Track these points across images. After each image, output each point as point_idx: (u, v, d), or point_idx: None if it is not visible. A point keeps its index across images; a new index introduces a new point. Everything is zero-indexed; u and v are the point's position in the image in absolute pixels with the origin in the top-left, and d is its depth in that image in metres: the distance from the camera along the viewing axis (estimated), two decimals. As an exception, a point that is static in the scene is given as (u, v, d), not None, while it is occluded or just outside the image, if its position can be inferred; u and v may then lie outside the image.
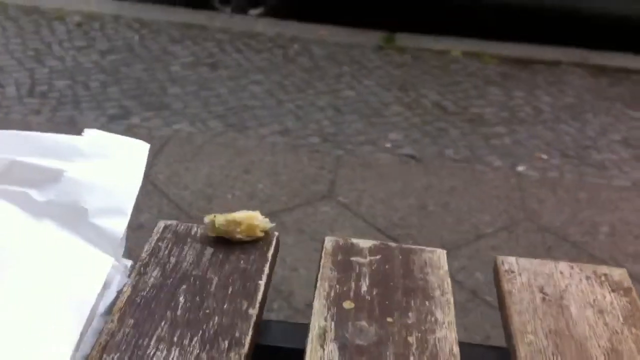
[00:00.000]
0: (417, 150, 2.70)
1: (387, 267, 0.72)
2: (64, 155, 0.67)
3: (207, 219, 0.71)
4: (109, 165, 0.68)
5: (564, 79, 3.32)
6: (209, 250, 0.71)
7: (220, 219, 0.71)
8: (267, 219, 0.72)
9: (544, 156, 2.70)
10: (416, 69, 3.37)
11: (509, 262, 0.73)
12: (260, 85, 3.08)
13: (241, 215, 0.71)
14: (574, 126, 2.93)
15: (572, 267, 0.74)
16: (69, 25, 3.38)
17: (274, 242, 0.73)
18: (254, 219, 0.71)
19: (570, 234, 2.26)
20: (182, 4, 3.82)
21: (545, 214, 2.36)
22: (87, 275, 0.64)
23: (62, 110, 2.65)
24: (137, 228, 2.01)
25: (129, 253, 0.74)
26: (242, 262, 0.70)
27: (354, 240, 0.75)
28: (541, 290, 0.70)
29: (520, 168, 2.62)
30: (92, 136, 0.70)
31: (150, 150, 2.48)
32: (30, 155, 0.66)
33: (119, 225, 0.66)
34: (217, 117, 2.77)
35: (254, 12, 3.89)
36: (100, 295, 0.64)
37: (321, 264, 0.71)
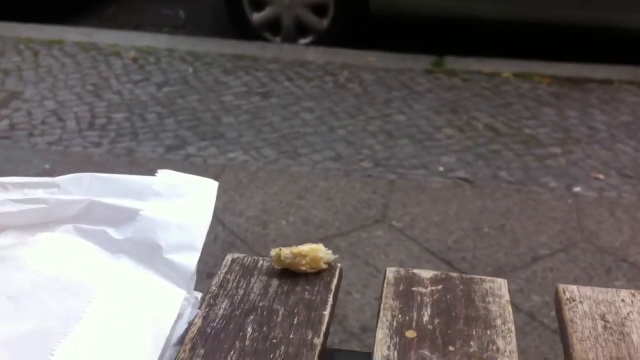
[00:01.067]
0: (470, 173, 2.70)
1: (448, 296, 0.73)
2: (140, 195, 0.71)
3: (273, 252, 0.74)
4: (181, 204, 0.72)
5: (618, 97, 3.28)
6: (275, 282, 0.74)
7: (285, 251, 0.74)
8: (330, 251, 0.75)
9: (601, 176, 2.67)
10: (466, 92, 3.37)
11: (570, 290, 0.74)
12: (312, 113, 3.13)
13: (305, 248, 0.73)
14: (631, 145, 2.89)
15: (633, 295, 0.74)
16: (124, 59, 3.49)
17: (337, 274, 0.76)
18: (318, 251, 0.74)
19: (630, 255, 2.23)
20: (233, 37, 3.91)
21: (604, 234, 2.33)
22: (162, 308, 0.67)
23: (121, 142, 2.74)
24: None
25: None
26: (306, 293, 0.72)
27: (416, 271, 0.76)
28: (602, 318, 0.71)
29: (577, 189, 2.59)
30: (165, 176, 0.73)
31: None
32: (108, 196, 0.71)
33: (190, 260, 0.70)
34: (270, 144, 2.82)
35: (303, 41, 3.95)
36: (174, 326, 0.68)
37: (383, 294, 0.73)
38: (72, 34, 3.75)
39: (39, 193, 0.73)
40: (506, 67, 3.60)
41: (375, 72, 3.56)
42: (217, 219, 2.27)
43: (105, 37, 3.74)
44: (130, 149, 2.69)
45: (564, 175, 2.67)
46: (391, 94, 3.33)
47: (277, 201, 2.44)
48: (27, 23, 3.82)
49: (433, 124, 3.06)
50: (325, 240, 2.23)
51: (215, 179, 2.40)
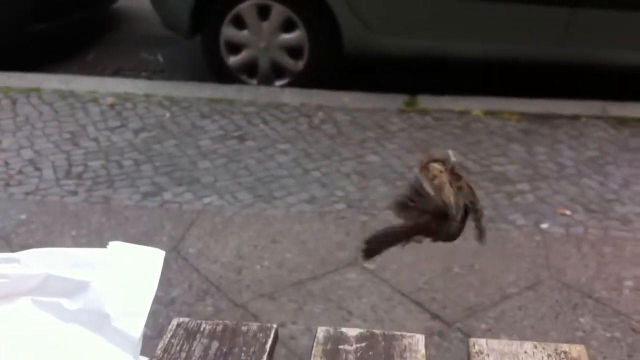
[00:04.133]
0: (441, 212, 2.75)
1: (370, 353, 0.78)
2: (92, 267, 0.76)
3: None
4: (129, 274, 0.77)
5: (585, 132, 3.37)
6: (215, 345, 0.79)
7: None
8: None
9: (568, 212, 2.74)
10: (438, 130, 3.45)
11: (479, 344, 0.80)
12: (287, 155, 3.19)
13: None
14: (597, 180, 2.96)
15: (535, 347, 0.80)
16: (102, 106, 3.55)
17: (272, 335, 0.81)
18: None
19: (595, 290, 2.28)
20: (211, 80, 3.98)
21: (570, 271, 2.39)
22: (110, 374, 0.72)
23: (97, 190, 2.78)
24: (169, 304, 2.10)
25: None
26: (243, 354, 0.77)
27: (344, 329, 0.82)
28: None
29: (544, 225, 2.66)
30: (115, 248, 0.79)
31: (182, 225, 2.60)
32: (63, 269, 0.76)
33: (136, 327, 0.75)
34: (245, 188, 2.87)
35: (279, 83, 4.03)
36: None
37: (312, 352, 0.78)
38: (51, 82, 3.81)
39: (0, 268, 0.78)
40: (477, 105, 3.68)
41: (349, 113, 3.63)
42: (192, 267, 2.31)
43: (83, 83, 3.80)
44: (107, 197, 2.73)
45: (532, 212, 2.74)
46: (365, 135, 3.40)
47: (251, 246, 2.48)
48: (7, 72, 3.88)
49: (405, 164, 3.13)
50: (299, 285, 2.28)
51: (191, 225, 2.45)
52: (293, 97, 3.82)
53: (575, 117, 3.50)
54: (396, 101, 3.77)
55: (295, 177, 3.00)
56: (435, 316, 2.18)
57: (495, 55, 3.86)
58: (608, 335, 2.09)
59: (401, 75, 4.33)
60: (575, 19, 3.64)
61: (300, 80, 4.02)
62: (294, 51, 4.00)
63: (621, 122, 3.45)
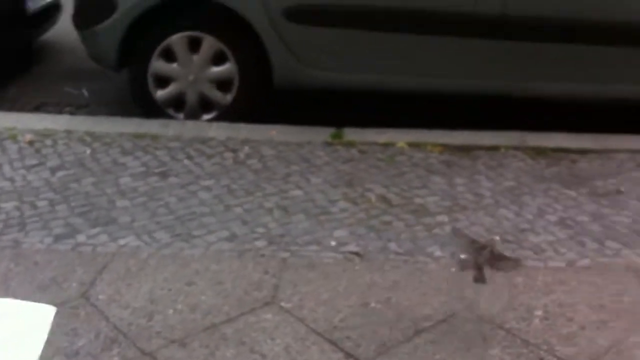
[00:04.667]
0: (361, 247, 2.77)
1: None
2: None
3: None
4: (16, 331, 0.75)
5: (504, 163, 3.44)
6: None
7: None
8: None
9: (484, 243, 2.78)
10: (363, 163, 3.48)
11: None
12: (210, 191, 3.17)
13: None
14: (513, 210, 3.02)
15: None
16: (20, 143, 3.48)
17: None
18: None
19: (505, 322, 2.31)
20: (137, 115, 3.93)
21: (483, 302, 2.42)
22: None
23: (8, 234, 2.71)
24: (72, 355, 2.05)
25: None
26: None
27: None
28: None
29: (461, 256, 2.69)
30: (2, 306, 0.77)
31: (93, 269, 2.54)
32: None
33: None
34: (164, 227, 2.84)
35: (207, 116, 4.02)
36: None
37: None
38: (-31, 119, 3.72)
39: None
40: (402, 137, 3.73)
41: (275, 147, 3.64)
42: (101, 314, 2.26)
43: (1, 120, 3.72)
44: (17, 241, 2.66)
45: (449, 244, 2.77)
46: (290, 169, 3.41)
47: (165, 289, 2.44)
48: None
49: (329, 198, 3.14)
50: (212, 329, 2.25)
51: (103, 268, 2.40)
52: (220, 131, 3.81)
53: (494, 148, 3.57)
54: (323, 134, 3.79)
55: (217, 215, 2.98)
56: (348, 355, 2.18)
57: (428, 88, 3.92)
58: (517, 367, 2.12)
59: (332, 108, 4.37)
60: (503, 52, 3.73)
61: (229, 114, 4.01)
62: (223, 84, 4.00)
63: (539, 152, 3.54)
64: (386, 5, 3.76)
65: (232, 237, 2.82)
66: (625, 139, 3.63)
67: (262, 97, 4.08)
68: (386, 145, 3.65)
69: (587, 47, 3.70)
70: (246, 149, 3.62)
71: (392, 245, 2.77)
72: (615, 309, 2.35)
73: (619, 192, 3.14)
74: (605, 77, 3.78)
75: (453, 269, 2.61)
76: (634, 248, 2.71)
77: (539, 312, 2.35)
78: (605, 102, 3.89)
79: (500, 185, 3.23)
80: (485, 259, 2.61)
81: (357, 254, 2.73)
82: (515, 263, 2.55)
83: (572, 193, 3.14)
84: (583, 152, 3.54)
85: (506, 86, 3.85)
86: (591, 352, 2.15)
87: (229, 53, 3.89)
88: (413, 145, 3.65)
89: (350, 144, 3.68)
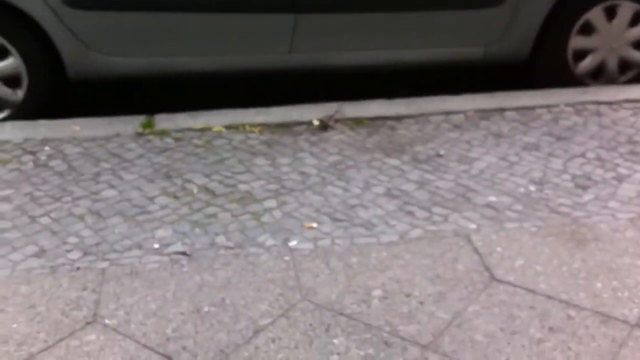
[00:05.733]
0: (187, 245, 2.58)
1: None
2: None
3: None
4: None
5: (325, 137, 3.37)
6: None
7: None
8: None
9: (315, 225, 2.69)
10: (179, 152, 3.26)
11: None
12: (10, 202, 2.83)
13: None
14: (340, 186, 2.96)
15: None
16: None
17: None
18: None
19: (345, 307, 2.24)
20: None
21: (321, 289, 2.33)
22: None
23: None
24: None
25: None
26: None
27: None
28: None
29: (293, 243, 2.59)
30: None
31: None
32: None
33: None
34: (-42, 253, 2.48)
35: (-1, 116, 3.62)
36: None
37: None
38: None
39: None
40: (218, 120, 3.55)
41: (80, 144, 3.32)
42: None
43: None
44: None
45: (280, 230, 2.66)
46: (99, 167, 3.12)
47: (-35, 324, 2.13)
48: None
49: (146, 195, 2.91)
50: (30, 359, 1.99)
51: None
52: (14, 132, 3.43)
53: (309, 123, 3.49)
54: (132, 124, 3.52)
55: (21, 228, 2.66)
56: (186, 369, 2.01)
57: (227, 68, 3.76)
58: (362, 353, 2.06)
59: (140, 95, 4.09)
60: (302, 25, 3.65)
61: (23, 112, 3.64)
62: (11, 81, 3.61)
63: (357, 122, 3.50)
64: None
65: (41, 252, 2.53)
66: (438, 101, 3.69)
67: (58, 90, 3.73)
68: (202, 130, 3.46)
69: (372, 15, 3.71)
70: (47, 149, 3.28)
71: (221, 240, 2.61)
72: (451, 278, 2.36)
73: (439, 155, 3.17)
74: (394, 44, 3.81)
75: (286, 258, 2.50)
76: (461, 212, 2.74)
77: (377, 292, 2.30)
78: (402, 67, 3.93)
79: (325, 161, 3.15)
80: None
81: (183, 253, 2.54)
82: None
83: (395, 161, 3.13)
84: (399, 118, 3.55)
85: (306, 60, 3.78)
86: (433, 328, 2.13)
87: (10, 47, 3.52)
88: (230, 127, 3.48)
89: (164, 133, 3.44)
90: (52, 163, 3.15)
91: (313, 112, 3.58)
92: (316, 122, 3.47)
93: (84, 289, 2.34)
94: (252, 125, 3.50)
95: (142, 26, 3.60)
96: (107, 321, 2.19)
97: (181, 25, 3.61)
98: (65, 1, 3.46)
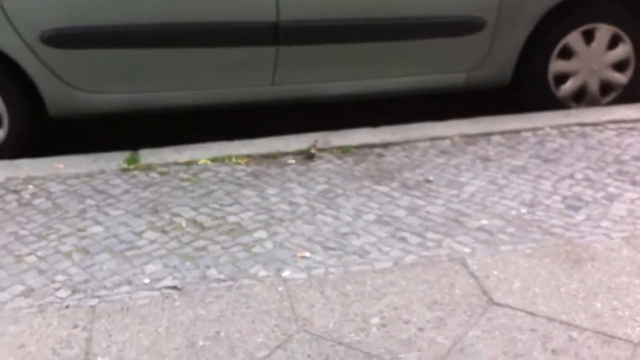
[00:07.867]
0: (178, 279, 2.53)
1: None
2: None
3: None
4: None
5: (312, 167, 3.35)
6: None
7: None
8: None
9: (307, 254, 2.66)
10: (166, 186, 3.23)
11: None
12: (-6, 243, 2.76)
13: None
14: (330, 214, 2.93)
15: None
16: None
17: None
18: None
19: (344, 336, 2.20)
20: None
21: (317, 319, 2.29)
22: None
23: None
24: None
25: None
26: None
27: None
28: None
29: (286, 273, 2.54)
30: None
31: None
32: None
33: None
34: (-58, 295, 2.41)
35: (-22, 157, 3.56)
36: None
37: None
38: None
39: None
40: (203, 153, 3.52)
41: (64, 181, 3.28)
42: None
43: None
44: None
45: (272, 261, 2.62)
46: (85, 204, 3.07)
47: (-48, 369, 2.06)
48: None
49: (133, 230, 2.86)
50: (16, 406, 1.91)
51: None
52: (-4, 171, 3.37)
53: (300, 152, 3.47)
54: (117, 159, 3.49)
55: (7, 268, 2.60)
56: (183, 406, 1.95)
57: (209, 102, 3.75)
58: (363, 383, 2.01)
59: (124, 131, 4.06)
60: (283, 58, 3.65)
61: (5, 151, 3.60)
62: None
63: (344, 150, 3.49)
64: (145, 23, 3.52)
65: (28, 292, 2.46)
66: (423, 128, 3.69)
67: (40, 129, 3.71)
68: (188, 164, 3.43)
69: (357, 46, 3.72)
70: (30, 187, 3.23)
71: (212, 272, 2.56)
72: (449, 303, 2.32)
73: (428, 181, 3.16)
74: (377, 73, 3.82)
75: (280, 288, 2.45)
76: (454, 236, 2.72)
77: (375, 320, 2.26)
78: (385, 95, 3.94)
79: (313, 190, 3.13)
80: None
81: (175, 288, 2.49)
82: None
83: (384, 188, 3.12)
84: (386, 145, 3.55)
85: (288, 92, 3.79)
86: (435, 354, 2.09)
87: None
88: (216, 160, 3.46)
89: (149, 167, 3.40)
90: (36, 201, 3.10)
91: (298, 142, 3.57)
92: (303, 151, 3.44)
93: (75, 326, 2.28)
94: (238, 157, 3.47)
95: (122, 63, 3.58)
96: (99, 359, 2.13)
97: (161, 60, 3.60)
98: (44, 40, 3.44)
